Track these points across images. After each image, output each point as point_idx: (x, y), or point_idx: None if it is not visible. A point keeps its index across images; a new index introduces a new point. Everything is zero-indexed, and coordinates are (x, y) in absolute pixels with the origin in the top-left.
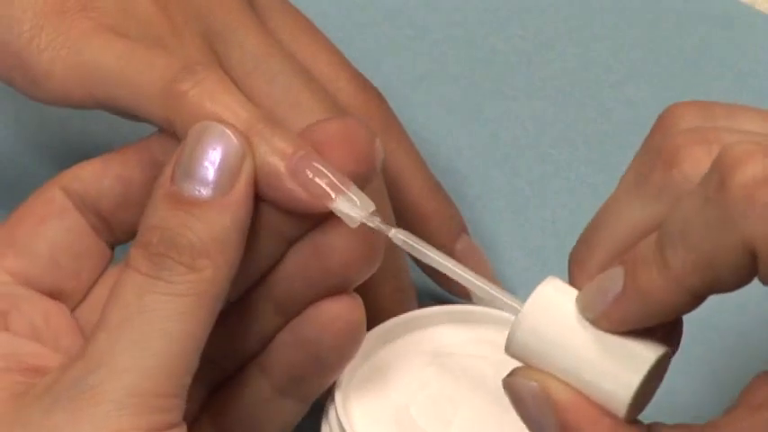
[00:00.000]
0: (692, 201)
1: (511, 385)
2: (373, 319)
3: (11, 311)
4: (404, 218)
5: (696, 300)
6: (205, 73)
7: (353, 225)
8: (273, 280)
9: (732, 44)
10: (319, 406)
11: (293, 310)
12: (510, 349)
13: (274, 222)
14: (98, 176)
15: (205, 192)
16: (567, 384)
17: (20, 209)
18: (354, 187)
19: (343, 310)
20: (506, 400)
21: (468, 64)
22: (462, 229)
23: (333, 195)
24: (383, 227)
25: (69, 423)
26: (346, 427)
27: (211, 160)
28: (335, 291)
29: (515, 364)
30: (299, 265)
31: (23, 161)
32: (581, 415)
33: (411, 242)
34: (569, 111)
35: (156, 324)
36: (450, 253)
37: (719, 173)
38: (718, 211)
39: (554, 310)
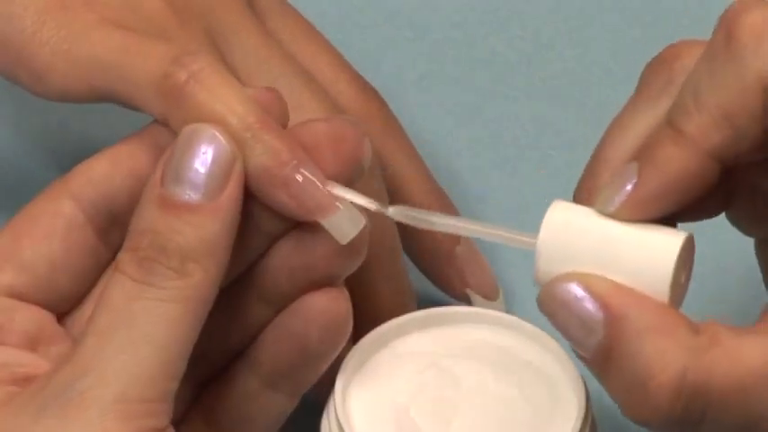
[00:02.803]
0: (699, 65)
1: (549, 293)
2: (373, 321)
3: (4, 324)
4: None
5: (717, 164)
6: (197, 65)
7: (344, 242)
8: (258, 274)
9: None
10: (319, 407)
11: (279, 304)
12: (539, 275)
13: (259, 218)
14: (109, 176)
15: (195, 196)
16: (605, 278)
17: (24, 217)
18: (347, 202)
19: (328, 303)
20: (506, 402)
21: (468, 65)
22: None
23: (325, 211)
24: (382, 208)
25: (58, 428)
26: (346, 428)
27: (201, 163)
28: (321, 284)
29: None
30: (282, 260)
31: (23, 163)
32: (625, 300)
33: (413, 214)
34: (569, 111)
35: (145, 330)
36: (450, 255)
37: (725, 25)
38: (728, 57)
39: (572, 221)
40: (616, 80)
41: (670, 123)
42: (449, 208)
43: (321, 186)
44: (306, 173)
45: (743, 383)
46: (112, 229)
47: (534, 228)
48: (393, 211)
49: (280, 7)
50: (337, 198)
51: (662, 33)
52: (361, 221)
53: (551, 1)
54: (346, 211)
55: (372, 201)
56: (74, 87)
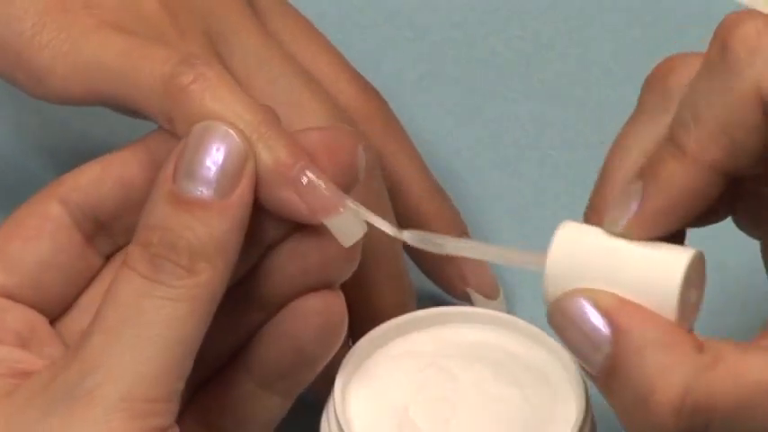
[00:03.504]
0: (695, 79)
1: (558, 308)
2: (373, 320)
3: None
4: (404, 219)
5: (719, 177)
6: (205, 67)
7: (347, 244)
8: (255, 279)
9: None
10: (319, 407)
11: (275, 308)
12: (548, 296)
13: (258, 224)
14: (97, 182)
15: (207, 192)
16: (613, 294)
17: (14, 219)
18: (350, 204)
19: (323, 304)
20: (504, 402)
21: (468, 65)
22: (463, 230)
23: (330, 212)
24: (397, 233)
25: (64, 427)
26: (345, 428)
27: (214, 160)
28: (317, 289)
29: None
30: (279, 265)
31: (24, 163)
32: (632, 315)
33: (427, 238)
34: (569, 112)
35: (153, 329)
36: (450, 255)
37: (720, 38)
38: (724, 70)
39: (580, 241)
40: (616, 80)
41: (671, 139)
42: (448, 207)
43: (326, 188)
44: (311, 175)
45: (746, 400)
46: (99, 236)
47: (539, 236)
48: (408, 236)
49: (280, 8)
50: (342, 201)
51: (662, 33)
52: (364, 226)
53: (551, 1)
54: (351, 214)
55: (387, 223)
56: (74, 90)
